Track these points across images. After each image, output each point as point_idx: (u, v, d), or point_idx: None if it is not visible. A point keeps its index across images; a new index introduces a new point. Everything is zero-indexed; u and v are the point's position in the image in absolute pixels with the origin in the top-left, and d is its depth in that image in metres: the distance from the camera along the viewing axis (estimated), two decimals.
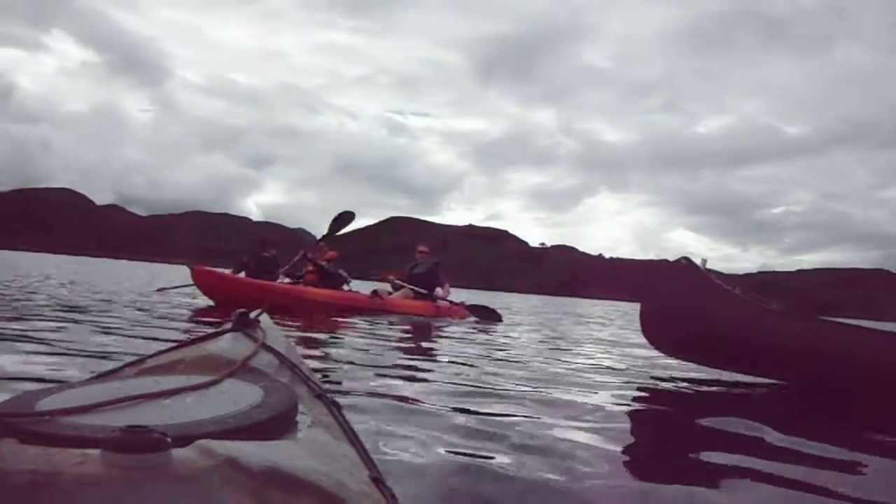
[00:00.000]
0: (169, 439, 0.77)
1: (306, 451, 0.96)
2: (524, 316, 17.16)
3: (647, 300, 5.20)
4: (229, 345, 1.53)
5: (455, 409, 3.14)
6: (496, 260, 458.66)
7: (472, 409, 3.20)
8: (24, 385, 2.90)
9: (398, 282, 11.92)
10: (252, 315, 1.72)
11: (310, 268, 11.40)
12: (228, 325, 1.67)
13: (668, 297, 5.01)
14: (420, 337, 7.75)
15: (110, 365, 2.08)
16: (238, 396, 1.14)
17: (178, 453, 0.77)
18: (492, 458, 2.34)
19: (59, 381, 2.72)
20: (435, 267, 12.21)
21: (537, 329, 11.32)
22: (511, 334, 9.21)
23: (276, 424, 1.07)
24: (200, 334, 1.66)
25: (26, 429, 0.94)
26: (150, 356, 1.57)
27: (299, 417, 1.18)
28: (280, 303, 9.61)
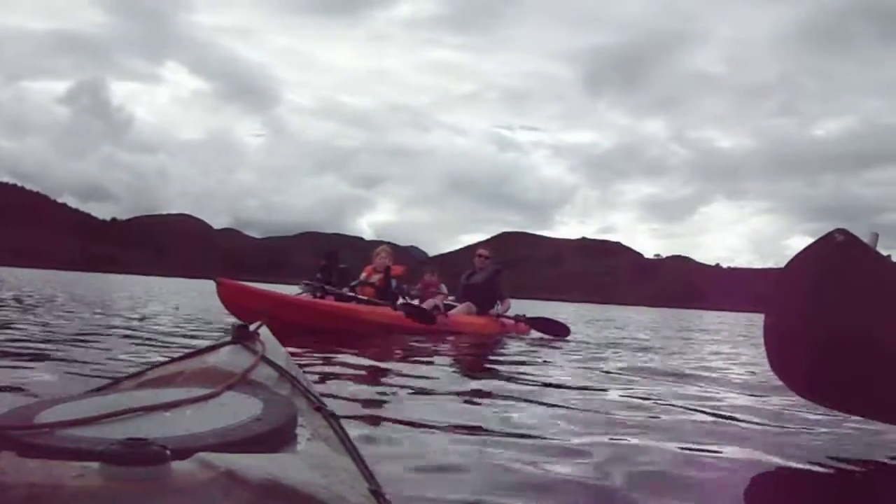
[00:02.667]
0: (168, 452, 0.77)
1: (306, 463, 0.96)
2: (631, 331, 15.08)
3: (778, 305, 2.93)
4: (229, 357, 1.53)
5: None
6: (610, 273, 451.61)
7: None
8: (24, 397, 2.89)
9: (443, 300, 10.21)
10: (251, 327, 1.72)
11: (371, 279, 9.46)
12: (228, 338, 1.67)
13: (814, 299, 2.70)
14: (485, 360, 6.85)
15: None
16: (237, 409, 1.14)
17: (178, 466, 0.77)
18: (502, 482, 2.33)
19: (58, 394, 2.71)
20: (496, 275, 10.53)
21: (644, 348, 9.55)
22: (602, 356, 7.69)
23: (275, 437, 1.07)
24: (200, 347, 1.66)
25: (25, 441, 0.94)
26: (150, 369, 1.57)
27: (299, 430, 1.18)
28: (325, 325, 8.03)
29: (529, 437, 2.91)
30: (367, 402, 3.52)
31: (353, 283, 9.24)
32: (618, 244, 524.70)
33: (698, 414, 3.87)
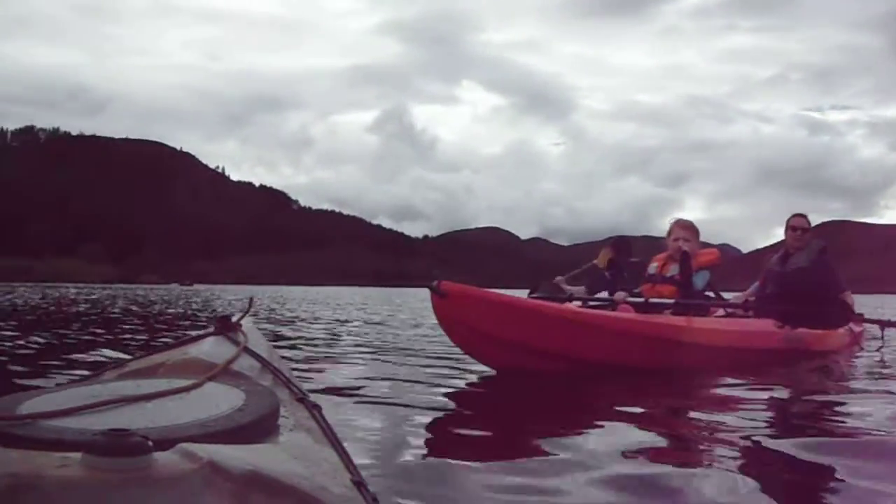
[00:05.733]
0: (150, 443, 0.77)
1: (288, 454, 0.96)
2: None
3: None
4: (211, 348, 1.53)
5: None
6: None
7: None
8: (6, 389, 2.88)
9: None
10: (234, 318, 1.72)
11: (667, 272, 5.72)
12: (210, 329, 1.67)
13: None
14: None
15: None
16: (220, 400, 1.15)
17: (160, 457, 0.77)
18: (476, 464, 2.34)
19: (41, 385, 2.71)
20: (822, 255, 6.44)
21: None
22: None
23: (257, 428, 1.07)
24: (181, 337, 1.66)
25: (7, 432, 0.94)
26: (132, 359, 1.57)
27: (281, 421, 1.19)
28: (633, 358, 4.54)
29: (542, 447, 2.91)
30: (348, 392, 3.52)
31: (624, 295, 5.62)
32: None
33: None
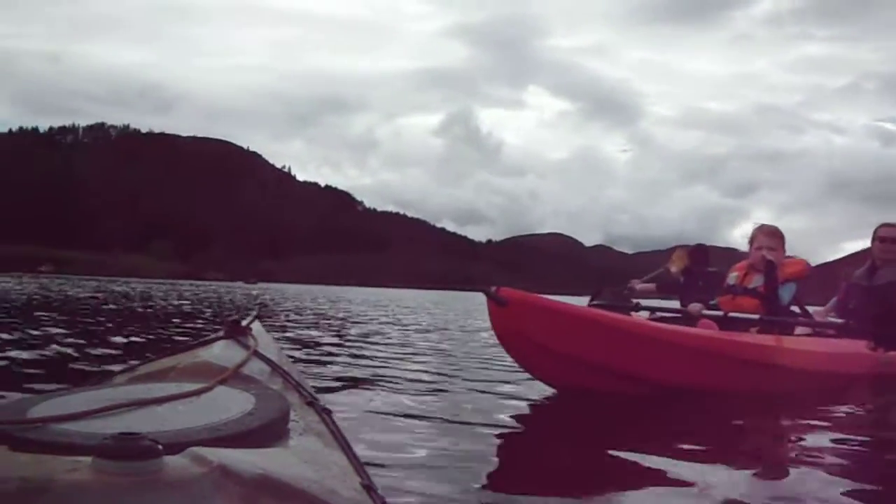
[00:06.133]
0: (160, 446, 0.77)
1: (298, 458, 0.96)
2: None
3: None
4: (221, 352, 1.53)
5: None
6: None
7: None
8: (18, 392, 2.89)
9: None
10: (244, 322, 1.72)
11: (749, 283, 5.11)
12: (220, 333, 1.67)
13: None
14: None
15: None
16: (230, 404, 1.15)
17: (170, 460, 0.77)
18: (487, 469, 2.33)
19: (52, 388, 2.71)
20: None
21: None
22: None
23: (267, 432, 1.07)
24: (192, 341, 1.66)
25: (18, 436, 0.94)
26: (142, 363, 1.57)
27: (291, 425, 1.19)
28: (717, 381, 4.17)
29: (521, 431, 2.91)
30: (360, 396, 3.52)
31: (700, 307, 4.98)
32: None
33: None
